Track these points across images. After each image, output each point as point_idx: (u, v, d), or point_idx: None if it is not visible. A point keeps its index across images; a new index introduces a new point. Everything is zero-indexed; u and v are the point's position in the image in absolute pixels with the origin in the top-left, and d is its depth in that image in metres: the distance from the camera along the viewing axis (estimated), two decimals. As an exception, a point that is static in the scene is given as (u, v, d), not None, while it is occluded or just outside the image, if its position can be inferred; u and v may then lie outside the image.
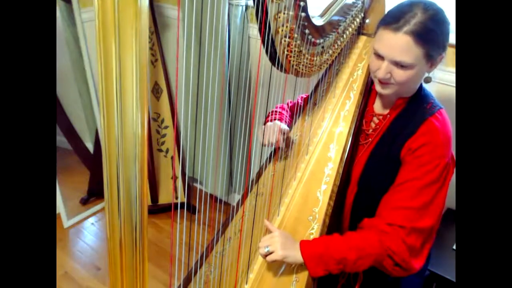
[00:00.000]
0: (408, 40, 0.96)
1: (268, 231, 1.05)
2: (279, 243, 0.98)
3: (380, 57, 1.02)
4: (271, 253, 0.98)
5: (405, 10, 0.99)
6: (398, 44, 0.97)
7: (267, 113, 1.37)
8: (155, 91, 2.24)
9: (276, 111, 1.35)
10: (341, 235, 1.01)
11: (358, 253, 0.97)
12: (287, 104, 1.42)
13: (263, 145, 1.23)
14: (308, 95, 1.35)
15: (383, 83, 1.05)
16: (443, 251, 1.39)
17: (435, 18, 0.98)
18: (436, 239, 1.08)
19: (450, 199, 1.53)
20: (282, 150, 1.25)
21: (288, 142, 1.25)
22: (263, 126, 1.26)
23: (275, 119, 1.28)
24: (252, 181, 1.24)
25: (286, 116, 1.34)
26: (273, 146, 1.22)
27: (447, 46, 1.03)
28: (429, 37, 0.97)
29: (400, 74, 1.01)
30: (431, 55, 1.00)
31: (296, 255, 0.97)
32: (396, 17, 0.98)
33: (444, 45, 1.02)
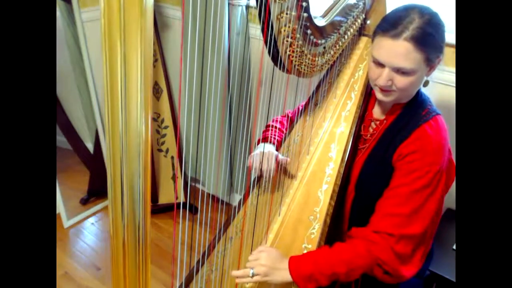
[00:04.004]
0: (408, 46, 0.95)
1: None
2: (264, 268, 0.97)
3: (380, 64, 1.01)
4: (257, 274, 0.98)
5: (402, 16, 0.97)
6: (399, 51, 0.96)
7: (266, 125, 1.31)
8: (155, 91, 2.23)
9: (274, 127, 1.29)
10: (330, 248, 1.00)
11: (348, 266, 0.97)
12: (287, 115, 1.36)
13: (253, 170, 1.16)
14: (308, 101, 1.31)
15: (385, 90, 1.04)
16: (443, 251, 1.40)
17: (432, 21, 0.97)
18: (436, 239, 1.08)
19: (450, 199, 1.54)
20: (283, 150, 1.25)
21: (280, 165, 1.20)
22: (254, 153, 1.17)
23: (274, 137, 1.24)
24: (253, 181, 1.24)
25: (285, 133, 1.30)
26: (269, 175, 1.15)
27: (444, 48, 1.02)
28: (428, 41, 0.97)
29: (401, 81, 1.00)
30: (430, 59, 0.99)
31: (284, 275, 0.97)
32: (394, 23, 0.97)
33: (441, 48, 1.01)
